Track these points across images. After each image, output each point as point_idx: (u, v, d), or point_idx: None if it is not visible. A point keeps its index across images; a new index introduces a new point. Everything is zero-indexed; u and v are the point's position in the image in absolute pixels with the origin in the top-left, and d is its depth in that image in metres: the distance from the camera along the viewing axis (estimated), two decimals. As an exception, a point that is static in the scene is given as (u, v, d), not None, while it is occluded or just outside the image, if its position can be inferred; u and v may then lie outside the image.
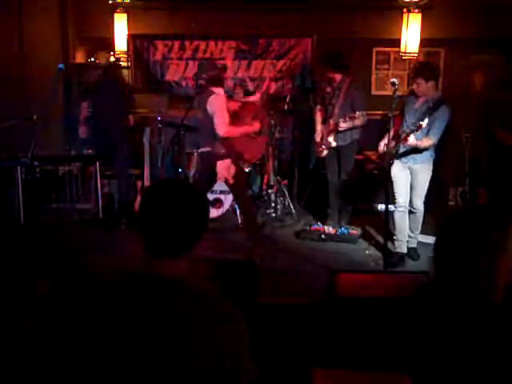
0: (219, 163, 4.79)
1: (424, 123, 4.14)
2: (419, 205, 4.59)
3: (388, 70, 7.01)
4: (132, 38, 6.78)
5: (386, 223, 4.20)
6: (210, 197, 5.74)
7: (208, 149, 4.88)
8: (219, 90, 4.77)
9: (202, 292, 1.50)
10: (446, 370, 1.39)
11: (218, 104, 4.70)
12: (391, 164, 4.45)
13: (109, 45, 6.83)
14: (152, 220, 1.49)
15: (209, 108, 4.69)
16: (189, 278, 1.51)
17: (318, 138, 5.60)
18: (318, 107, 5.70)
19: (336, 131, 5.37)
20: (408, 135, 4.23)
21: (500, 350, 1.35)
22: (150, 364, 1.38)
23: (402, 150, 4.50)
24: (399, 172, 4.59)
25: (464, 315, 1.38)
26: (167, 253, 1.49)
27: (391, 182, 4.55)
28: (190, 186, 1.60)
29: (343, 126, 5.25)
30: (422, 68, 4.46)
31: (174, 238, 1.49)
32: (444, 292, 1.43)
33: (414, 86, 4.44)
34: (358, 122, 5.22)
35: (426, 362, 1.42)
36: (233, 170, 4.80)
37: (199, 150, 5.08)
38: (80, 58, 7.32)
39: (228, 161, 4.79)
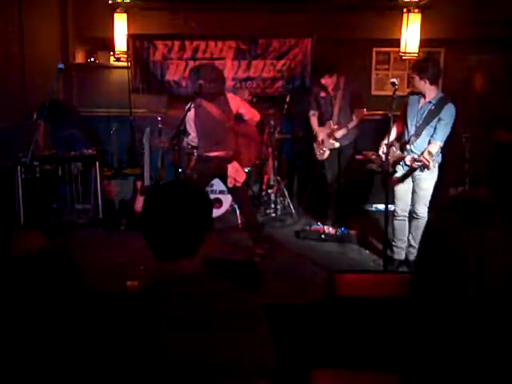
0: (230, 167, 4.68)
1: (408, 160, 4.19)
2: (422, 211, 4.37)
3: (388, 70, 7.01)
4: (132, 38, 6.78)
5: (385, 223, 4.20)
6: (210, 197, 5.72)
7: (220, 153, 4.72)
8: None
9: (219, 287, 1.53)
10: (443, 370, 1.39)
11: (239, 98, 4.89)
12: (394, 172, 4.41)
13: (109, 45, 6.84)
14: (158, 223, 1.49)
15: (233, 105, 4.69)
16: (202, 276, 1.53)
17: (318, 142, 5.61)
18: (312, 112, 5.72)
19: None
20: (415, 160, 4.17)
21: (494, 349, 1.36)
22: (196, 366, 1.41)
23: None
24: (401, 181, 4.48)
25: (450, 314, 1.39)
26: (174, 254, 1.50)
27: (392, 189, 4.45)
28: (192, 187, 1.60)
29: (340, 133, 5.35)
30: (420, 63, 4.28)
31: (180, 239, 1.49)
32: (427, 291, 1.44)
33: (411, 79, 4.32)
34: (352, 125, 5.29)
35: (423, 361, 1.42)
36: (242, 173, 4.75)
37: (211, 154, 4.76)
38: (80, 58, 7.33)
39: (236, 163, 4.72)
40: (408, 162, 4.21)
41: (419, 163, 4.10)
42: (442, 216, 1.44)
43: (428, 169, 4.08)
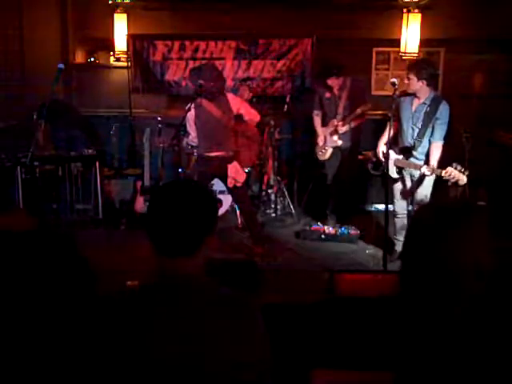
0: (230, 167, 4.70)
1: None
2: None
3: (388, 70, 7.00)
4: (132, 38, 6.78)
5: (385, 223, 4.20)
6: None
7: (220, 153, 4.74)
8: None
9: (219, 288, 1.53)
10: (435, 370, 1.40)
11: (239, 99, 4.89)
12: (400, 178, 4.43)
13: (109, 45, 6.84)
14: (164, 220, 1.49)
15: (233, 106, 4.68)
16: (202, 276, 1.52)
17: (321, 143, 5.60)
18: (316, 112, 5.71)
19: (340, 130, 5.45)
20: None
21: (485, 347, 1.36)
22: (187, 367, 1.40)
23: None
24: (399, 182, 4.52)
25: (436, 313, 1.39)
26: (176, 253, 1.50)
27: (391, 188, 4.50)
28: (200, 187, 1.62)
29: (343, 129, 5.35)
30: (418, 64, 4.29)
31: (184, 238, 1.49)
32: (413, 292, 1.45)
33: (406, 81, 4.29)
34: (354, 124, 5.29)
35: (418, 360, 1.43)
36: (242, 173, 4.74)
37: (211, 154, 4.78)
38: (80, 58, 7.32)
39: (236, 163, 4.73)
40: (428, 173, 4.17)
41: (451, 179, 3.99)
42: (427, 221, 1.46)
43: (462, 183, 4.00)
